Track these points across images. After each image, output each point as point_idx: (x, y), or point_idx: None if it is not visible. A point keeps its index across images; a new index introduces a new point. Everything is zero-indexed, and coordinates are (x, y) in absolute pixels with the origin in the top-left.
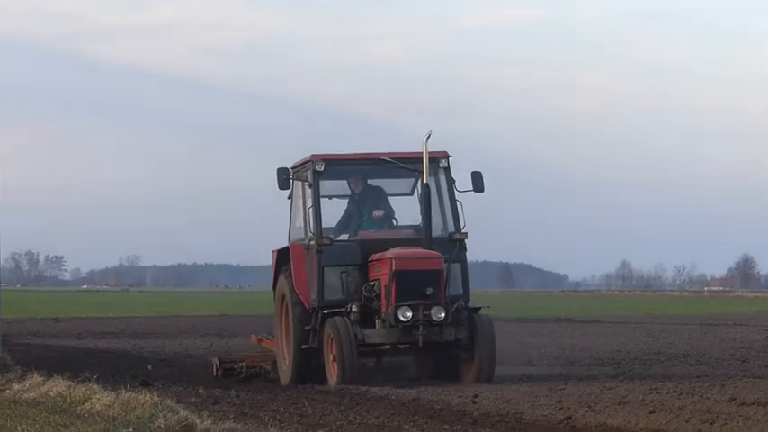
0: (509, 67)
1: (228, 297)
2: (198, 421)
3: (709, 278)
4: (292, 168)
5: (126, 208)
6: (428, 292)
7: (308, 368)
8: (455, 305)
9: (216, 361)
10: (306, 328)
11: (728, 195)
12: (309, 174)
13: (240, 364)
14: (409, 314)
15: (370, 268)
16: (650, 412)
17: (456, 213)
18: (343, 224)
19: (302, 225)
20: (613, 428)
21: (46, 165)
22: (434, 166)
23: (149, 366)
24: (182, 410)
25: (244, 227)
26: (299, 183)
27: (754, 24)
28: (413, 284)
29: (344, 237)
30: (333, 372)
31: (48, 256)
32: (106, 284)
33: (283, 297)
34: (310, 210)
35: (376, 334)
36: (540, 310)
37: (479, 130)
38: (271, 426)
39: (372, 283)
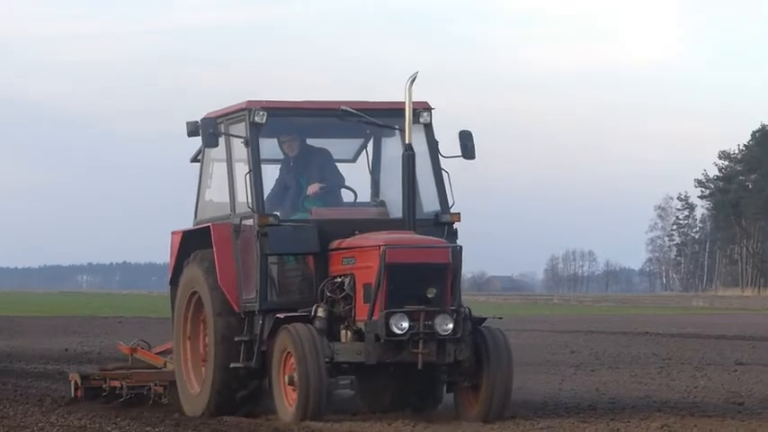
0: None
1: None
2: None
3: None
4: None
5: None
6: (430, 295)
7: (237, 395)
8: (460, 313)
9: (75, 377)
10: (236, 339)
11: None
12: (245, 127)
13: (118, 383)
14: (405, 324)
15: (333, 259)
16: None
17: (442, 186)
18: (277, 198)
19: (227, 198)
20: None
21: None
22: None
23: None
24: None
25: None
26: (222, 139)
27: None
28: (410, 283)
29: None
30: (288, 401)
31: None
32: None
33: (193, 295)
34: (248, 176)
35: (349, 350)
36: None
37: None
38: None
39: (340, 280)
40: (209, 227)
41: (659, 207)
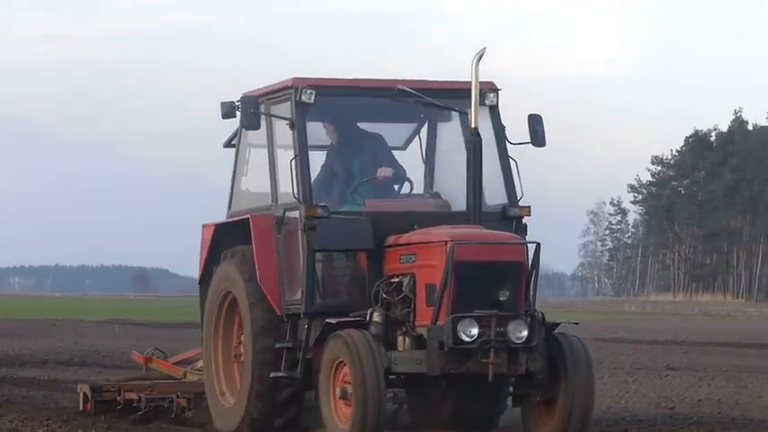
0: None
1: None
2: None
3: None
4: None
5: None
6: (502, 298)
7: (276, 408)
8: (535, 318)
9: (85, 389)
10: (277, 346)
11: None
12: (290, 107)
13: (135, 395)
14: (475, 331)
15: (390, 257)
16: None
17: (509, 176)
18: (324, 187)
19: (267, 187)
20: None
21: None
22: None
23: None
24: None
25: None
26: (262, 122)
27: None
28: (480, 284)
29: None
30: (339, 417)
31: None
32: None
33: (226, 296)
34: (293, 162)
35: (408, 359)
36: (183, 314)
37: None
38: None
39: (398, 280)
40: (247, 219)
41: (592, 212)
